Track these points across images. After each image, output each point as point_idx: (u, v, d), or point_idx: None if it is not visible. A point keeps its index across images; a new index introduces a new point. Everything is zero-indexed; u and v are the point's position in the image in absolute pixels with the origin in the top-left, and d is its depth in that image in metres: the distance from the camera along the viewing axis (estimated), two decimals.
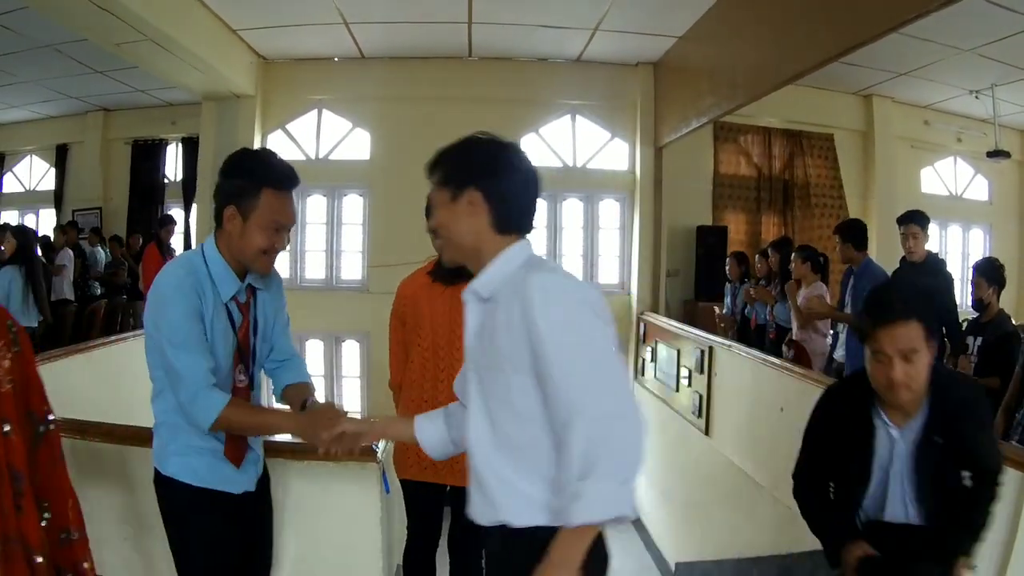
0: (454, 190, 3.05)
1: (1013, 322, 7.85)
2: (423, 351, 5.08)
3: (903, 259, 8.57)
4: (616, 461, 2.61)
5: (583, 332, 2.78)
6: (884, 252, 10.34)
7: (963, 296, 12.37)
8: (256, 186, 3.66)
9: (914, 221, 8.38)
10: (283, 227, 3.78)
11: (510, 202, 3.05)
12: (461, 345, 4.58)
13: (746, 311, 11.84)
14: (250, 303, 3.92)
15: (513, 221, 3.07)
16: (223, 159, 3.84)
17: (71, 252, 14.02)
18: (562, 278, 2.91)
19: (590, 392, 2.69)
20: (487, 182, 3.01)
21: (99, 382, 8.77)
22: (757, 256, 11.90)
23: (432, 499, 5.32)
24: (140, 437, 4.54)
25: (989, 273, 7.49)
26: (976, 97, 15.12)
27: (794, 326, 10.08)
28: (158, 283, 3.65)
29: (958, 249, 17.44)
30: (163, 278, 3.65)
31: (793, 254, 10.23)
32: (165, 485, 3.81)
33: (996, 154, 15.09)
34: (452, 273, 4.76)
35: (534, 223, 3.19)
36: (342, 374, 15.41)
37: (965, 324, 8.14)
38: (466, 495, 4.81)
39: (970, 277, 7.81)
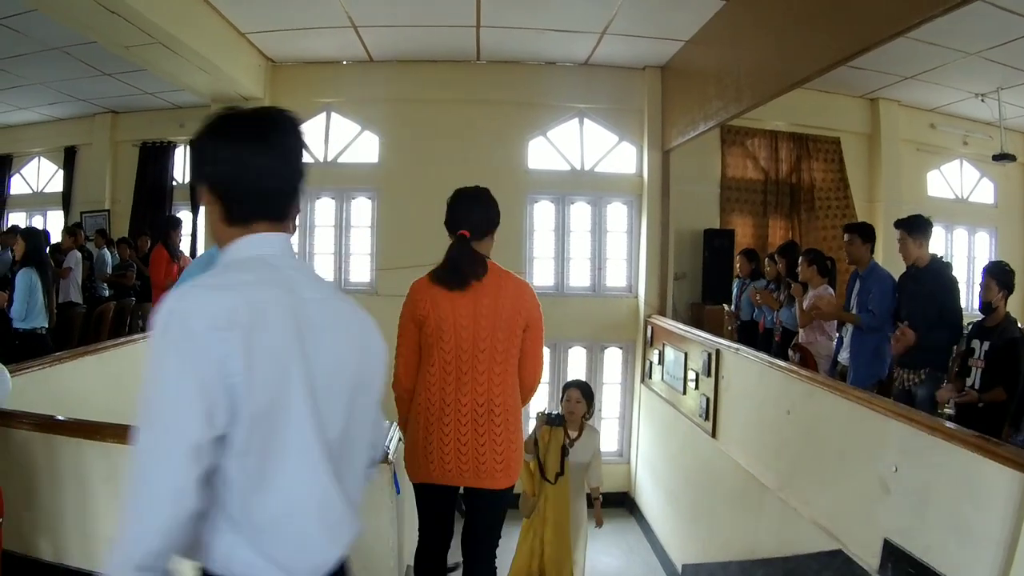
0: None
1: (1020, 327, 7.81)
2: (445, 354, 5.03)
3: (910, 263, 8.57)
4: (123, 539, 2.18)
5: (154, 368, 2.29)
6: (890, 255, 10.35)
7: (968, 300, 12.38)
8: None
9: (900, 227, 8.50)
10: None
11: (229, 188, 2.70)
12: (484, 347, 4.91)
13: (754, 314, 11.98)
14: None
15: (235, 210, 2.71)
16: None
17: (79, 254, 14.01)
18: (197, 291, 2.40)
19: (135, 441, 2.25)
20: (205, 171, 2.75)
21: (110, 384, 8.80)
22: (766, 260, 12.01)
23: (447, 501, 5.31)
24: None
25: (1000, 276, 7.47)
26: (982, 100, 15.15)
27: (800, 329, 10.13)
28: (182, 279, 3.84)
29: (964, 252, 17.44)
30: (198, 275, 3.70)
31: (800, 257, 10.27)
32: None
33: (1002, 157, 15.11)
34: (450, 277, 4.98)
35: (285, 209, 2.82)
36: None
37: (970, 327, 8.08)
38: (482, 495, 5.09)
39: (979, 279, 7.77)
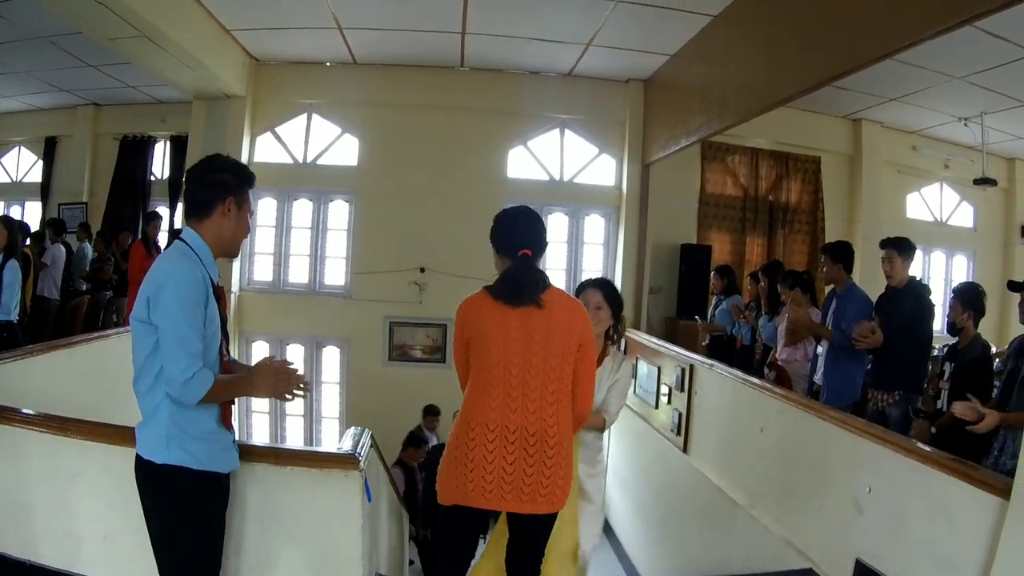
0: None
1: (990, 349, 7.79)
2: (492, 373, 4.81)
3: (888, 284, 8.52)
4: None
5: None
6: (868, 276, 10.37)
7: (943, 322, 12.43)
8: (244, 182, 4.29)
9: (889, 245, 8.35)
10: (252, 216, 4.43)
11: None
12: (537, 368, 4.75)
13: (732, 330, 11.89)
14: (221, 286, 4.31)
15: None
16: None
17: (63, 250, 13.91)
18: None
19: None
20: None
21: (82, 379, 8.70)
22: (747, 278, 12.02)
23: (478, 526, 5.12)
24: (121, 436, 4.59)
25: (966, 297, 7.37)
26: (965, 124, 15.22)
27: (778, 347, 10.11)
28: (162, 273, 3.97)
29: (941, 275, 17.53)
30: (167, 269, 3.99)
31: (779, 283, 10.24)
32: (167, 475, 4.01)
33: (983, 181, 15.13)
34: (513, 293, 4.77)
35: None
36: (322, 379, 15.43)
37: (944, 349, 8.11)
38: (523, 519, 4.86)
39: (949, 300, 7.71)
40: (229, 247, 4.31)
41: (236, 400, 4.48)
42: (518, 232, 4.97)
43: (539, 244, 4.99)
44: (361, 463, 4.91)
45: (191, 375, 3.85)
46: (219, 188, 4.17)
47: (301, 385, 4.32)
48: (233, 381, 4.23)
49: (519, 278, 4.80)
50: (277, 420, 15.46)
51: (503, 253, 4.95)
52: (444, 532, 5.18)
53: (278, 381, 4.22)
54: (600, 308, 6.05)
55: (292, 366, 4.31)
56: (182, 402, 3.93)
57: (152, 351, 3.95)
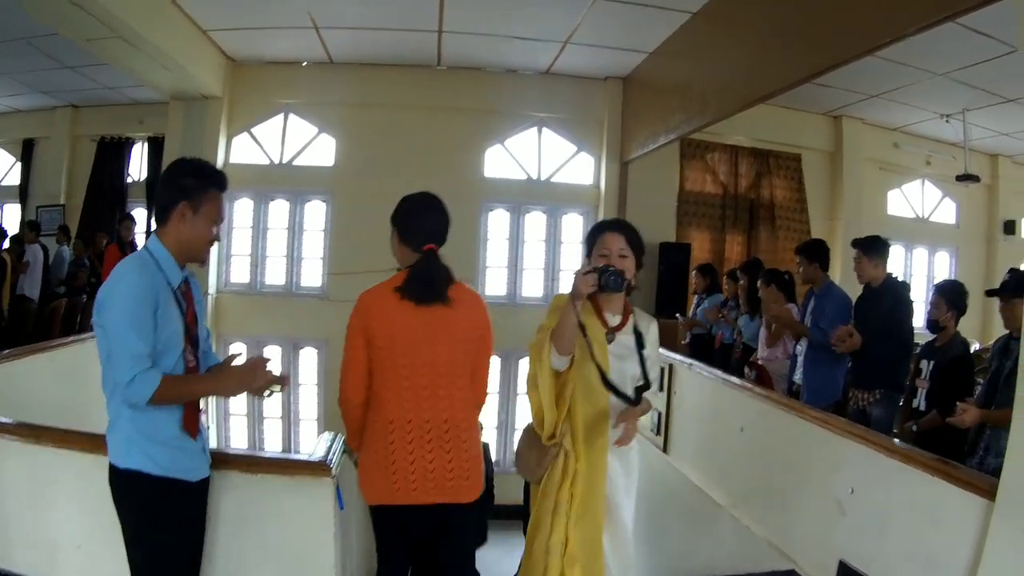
0: None
1: (970, 347, 7.73)
2: (401, 369, 4.76)
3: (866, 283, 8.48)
4: None
5: None
6: (849, 274, 10.25)
7: (924, 319, 12.37)
8: (204, 185, 4.17)
9: (856, 246, 8.33)
10: (221, 221, 4.33)
11: None
12: (444, 362, 4.78)
13: (712, 329, 11.84)
14: (189, 292, 4.29)
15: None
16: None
17: (40, 250, 13.92)
18: None
19: None
20: None
21: (60, 383, 8.66)
22: (725, 277, 11.93)
23: (410, 523, 4.95)
24: (95, 443, 4.49)
25: (950, 296, 7.35)
26: (947, 121, 15.27)
27: (760, 346, 10.11)
28: (112, 277, 3.99)
29: (923, 272, 17.56)
30: (118, 272, 3.99)
31: (759, 280, 10.16)
32: (127, 480, 3.99)
33: (965, 178, 15.18)
34: (424, 292, 4.72)
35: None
36: (299, 381, 15.36)
37: (919, 347, 8.06)
38: (449, 511, 4.82)
39: (930, 297, 7.68)
40: (191, 253, 4.23)
41: (203, 406, 4.40)
42: (429, 223, 4.92)
43: (445, 237, 4.96)
44: (333, 470, 4.86)
45: (132, 376, 3.81)
46: (175, 193, 4.14)
47: (278, 383, 4.30)
48: (191, 379, 4.19)
49: (428, 275, 4.78)
50: (255, 423, 15.41)
51: (407, 242, 4.88)
52: (378, 534, 5.11)
53: (249, 378, 4.20)
54: (625, 256, 4.96)
55: (266, 361, 4.29)
56: (131, 404, 3.91)
57: (108, 354, 3.91)
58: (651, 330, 5.27)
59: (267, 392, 4.31)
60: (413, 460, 4.74)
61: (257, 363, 4.25)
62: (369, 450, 4.86)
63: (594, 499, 4.95)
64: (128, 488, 4.01)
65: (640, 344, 5.05)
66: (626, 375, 5.00)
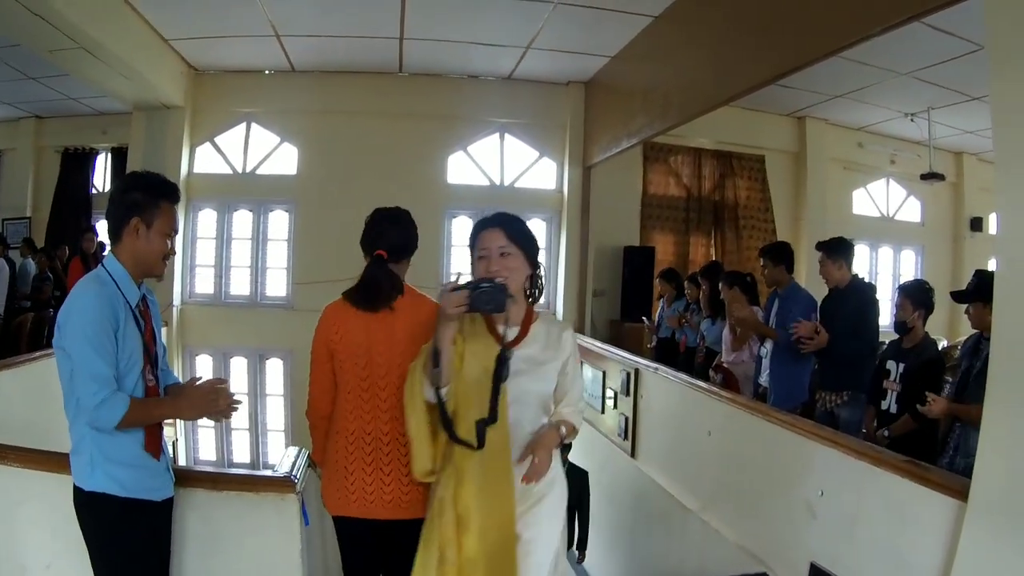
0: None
1: (939, 347, 7.76)
2: (360, 380, 4.80)
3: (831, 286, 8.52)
4: None
5: None
6: (814, 275, 10.24)
7: (891, 318, 12.39)
8: (155, 199, 4.16)
9: (819, 249, 8.40)
10: (175, 233, 4.32)
11: None
12: (395, 372, 4.67)
13: (675, 334, 11.91)
14: (147, 309, 4.30)
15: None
16: (149, 170, 4.41)
17: (5, 265, 13.71)
18: None
19: None
20: None
21: (27, 399, 8.55)
22: (687, 281, 11.94)
23: (370, 534, 4.96)
24: (62, 463, 4.43)
25: (915, 295, 7.29)
26: (911, 120, 15.37)
27: (724, 349, 10.14)
28: (71, 299, 4.01)
29: (889, 271, 17.72)
30: (76, 293, 4.01)
31: (721, 282, 10.20)
32: (91, 502, 4.00)
33: (930, 176, 15.32)
34: (365, 297, 4.77)
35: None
36: (266, 392, 15.35)
37: (884, 346, 8.11)
38: (397, 528, 4.75)
39: (895, 298, 7.65)
40: (147, 268, 4.23)
41: (164, 426, 4.43)
42: (376, 232, 4.95)
43: (394, 245, 4.92)
44: (297, 486, 4.87)
45: (100, 400, 3.82)
46: (126, 208, 4.14)
47: (235, 405, 4.29)
48: (155, 404, 4.21)
49: (371, 281, 4.80)
50: (223, 435, 15.40)
51: (363, 250, 4.93)
52: (341, 546, 5.12)
53: (206, 402, 4.18)
54: (507, 255, 4.24)
55: (223, 385, 4.26)
56: (98, 428, 3.91)
57: (71, 377, 3.91)
58: (564, 339, 4.42)
59: (224, 417, 4.29)
60: (370, 472, 4.75)
61: (218, 388, 4.23)
62: (330, 462, 4.89)
63: (498, 551, 4.14)
64: (93, 509, 4.02)
65: (547, 356, 4.34)
66: (529, 394, 4.28)
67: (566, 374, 4.41)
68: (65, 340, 3.88)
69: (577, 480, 9.47)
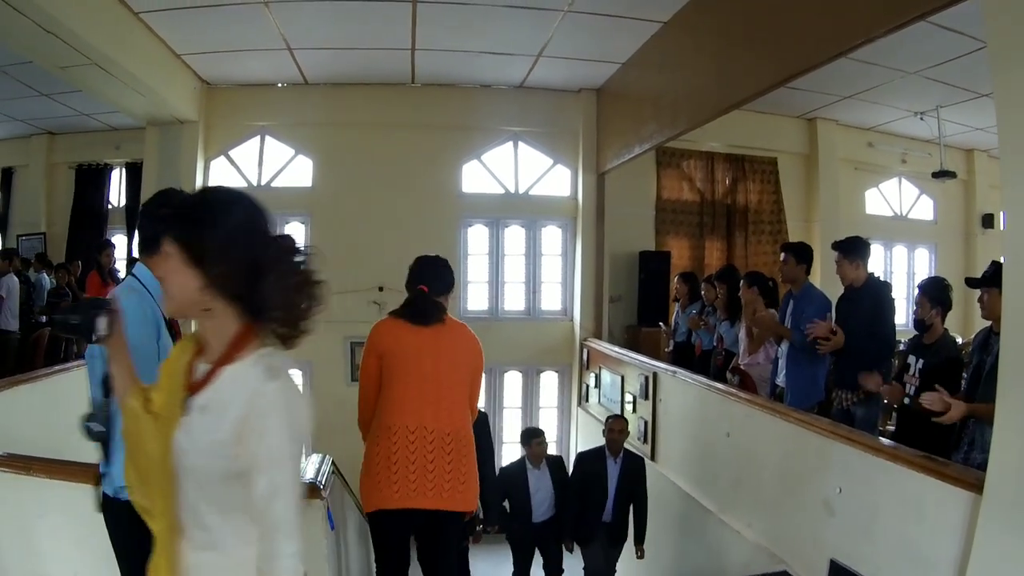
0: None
1: (958, 345, 7.71)
2: (408, 380, 5.53)
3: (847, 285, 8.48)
4: None
5: None
6: (827, 276, 10.22)
7: (907, 316, 12.34)
8: None
9: (836, 249, 8.35)
10: None
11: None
12: (446, 379, 5.59)
13: (692, 339, 11.82)
14: (175, 322, 4.34)
15: None
16: (164, 185, 4.66)
17: (15, 280, 13.73)
18: None
19: None
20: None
21: (45, 412, 8.49)
22: (703, 284, 11.85)
23: (406, 526, 5.62)
24: (86, 473, 4.52)
25: (933, 293, 7.27)
26: (921, 118, 15.36)
27: (740, 350, 10.08)
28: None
29: (903, 269, 17.69)
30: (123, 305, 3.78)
31: (741, 281, 10.18)
32: (131, 510, 3.64)
33: (942, 174, 15.31)
34: (416, 315, 5.67)
35: None
36: None
37: (903, 344, 8.12)
38: (440, 518, 5.41)
39: (915, 296, 7.64)
40: None
41: None
42: (418, 274, 5.94)
43: (435, 283, 5.88)
44: (323, 492, 4.93)
45: None
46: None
47: None
48: None
49: (418, 305, 5.73)
50: None
51: (409, 288, 5.93)
52: (375, 539, 5.82)
53: None
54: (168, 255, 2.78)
55: None
56: None
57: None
58: (245, 400, 2.62)
59: None
60: (415, 464, 5.35)
61: None
62: (372, 456, 5.49)
63: None
64: (132, 517, 3.72)
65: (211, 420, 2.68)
66: (194, 470, 2.70)
67: (247, 465, 2.61)
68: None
69: (633, 466, 9.81)
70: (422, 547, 5.84)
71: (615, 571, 9.92)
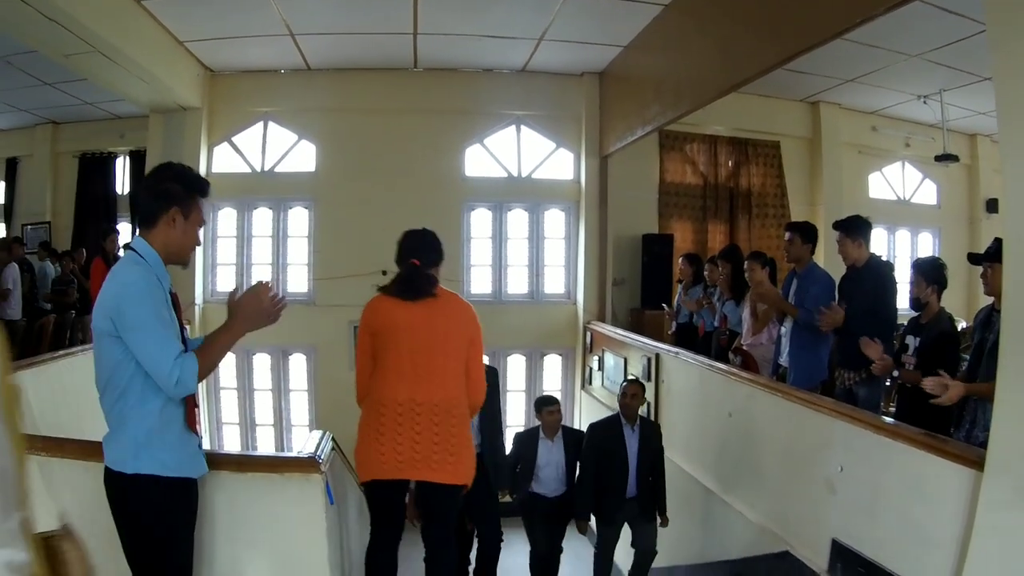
0: None
1: (954, 323, 7.71)
2: (400, 354, 5.53)
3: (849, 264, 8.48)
4: None
5: None
6: (830, 258, 10.21)
7: (909, 300, 12.35)
8: (191, 192, 4.24)
9: (837, 228, 8.37)
10: (204, 224, 4.45)
11: None
12: (439, 351, 5.56)
13: (693, 319, 11.81)
14: (175, 296, 4.32)
15: None
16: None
17: (17, 269, 13.65)
18: None
19: None
20: None
21: (50, 397, 8.51)
22: (706, 264, 11.89)
23: (398, 495, 5.77)
24: (88, 451, 4.61)
25: (928, 272, 7.28)
26: (924, 102, 15.36)
27: (744, 330, 10.11)
28: (119, 285, 4.00)
29: (907, 253, 17.58)
30: (122, 279, 4.01)
31: (747, 261, 10.13)
32: (136, 484, 4.02)
33: (945, 158, 15.29)
34: (407, 289, 5.63)
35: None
36: (289, 387, 15.44)
37: (903, 325, 7.97)
38: (434, 490, 5.49)
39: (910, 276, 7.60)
40: (177, 256, 4.29)
41: (199, 405, 4.59)
42: (407, 248, 5.88)
43: (426, 256, 5.84)
44: (322, 466, 4.94)
45: (178, 364, 3.89)
46: (164, 198, 4.17)
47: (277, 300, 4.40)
48: (212, 339, 4.25)
49: (409, 278, 5.70)
50: (247, 430, 15.50)
51: (399, 263, 5.87)
52: (370, 507, 5.87)
53: (253, 310, 4.26)
54: None
55: (260, 285, 4.39)
56: (181, 392, 4.01)
57: (118, 363, 3.95)
58: None
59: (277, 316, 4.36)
60: (402, 436, 5.42)
61: (257, 290, 4.33)
62: (364, 429, 5.59)
63: None
64: (140, 492, 4.04)
65: None
66: None
67: None
68: (125, 326, 3.89)
69: (652, 432, 9.12)
70: (424, 522, 5.98)
71: (656, 550, 8.95)
